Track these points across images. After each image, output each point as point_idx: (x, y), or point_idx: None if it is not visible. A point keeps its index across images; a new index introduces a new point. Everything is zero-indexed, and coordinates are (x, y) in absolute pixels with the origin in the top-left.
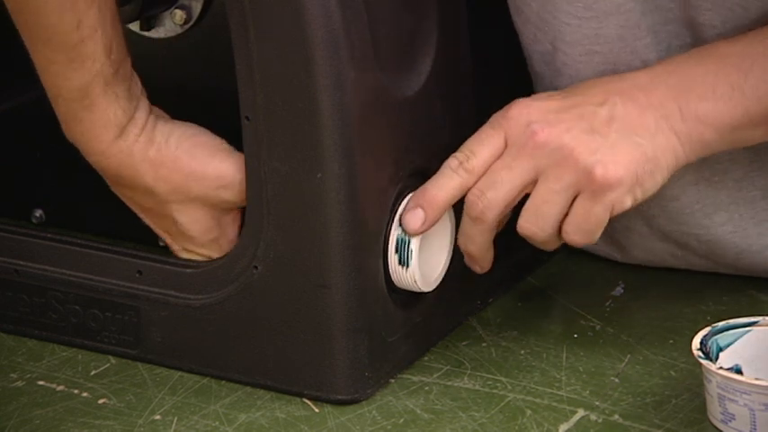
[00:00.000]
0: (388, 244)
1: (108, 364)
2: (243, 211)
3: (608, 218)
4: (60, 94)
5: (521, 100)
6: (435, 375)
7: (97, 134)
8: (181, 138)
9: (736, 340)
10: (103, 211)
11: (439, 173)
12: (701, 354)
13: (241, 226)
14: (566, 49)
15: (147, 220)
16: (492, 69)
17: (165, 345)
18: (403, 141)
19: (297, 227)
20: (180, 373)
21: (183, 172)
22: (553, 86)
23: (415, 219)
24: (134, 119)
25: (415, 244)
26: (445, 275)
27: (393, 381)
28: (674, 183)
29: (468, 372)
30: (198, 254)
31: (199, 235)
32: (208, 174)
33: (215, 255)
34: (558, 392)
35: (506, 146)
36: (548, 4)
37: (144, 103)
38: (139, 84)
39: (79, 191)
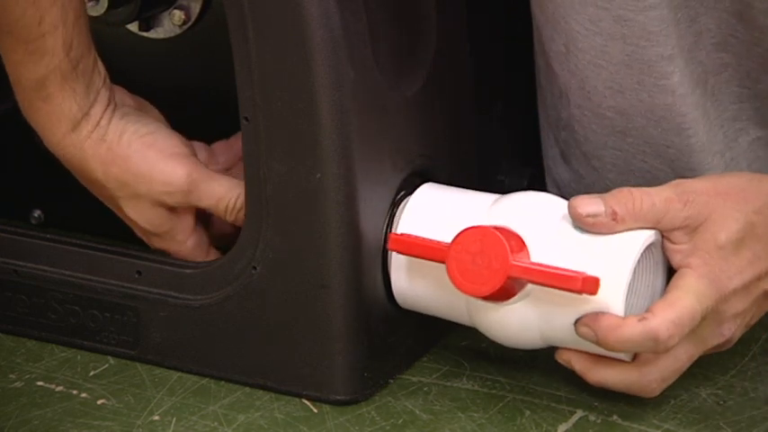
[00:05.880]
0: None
1: (107, 365)
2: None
3: None
4: (20, 81)
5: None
6: (434, 376)
7: (52, 125)
8: (133, 136)
9: None
10: (103, 211)
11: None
12: None
13: (197, 218)
14: (577, 53)
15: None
16: (492, 69)
17: (165, 345)
18: (402, 142)
19: (296, 227)
20: (179, 374)
21: (131, 171)
22: (566, 88)
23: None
24: (88, 115)
25: None
26: None
27: (392, 381)
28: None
29: (467, 372)
30: (160, 246)
31: (150, 228)
32: (155, 178)
33: (175, 248)
34: (557, 393)
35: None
36: (560, 6)
37: (103, 98)
38: (104, 76)
39: (78, 191)
